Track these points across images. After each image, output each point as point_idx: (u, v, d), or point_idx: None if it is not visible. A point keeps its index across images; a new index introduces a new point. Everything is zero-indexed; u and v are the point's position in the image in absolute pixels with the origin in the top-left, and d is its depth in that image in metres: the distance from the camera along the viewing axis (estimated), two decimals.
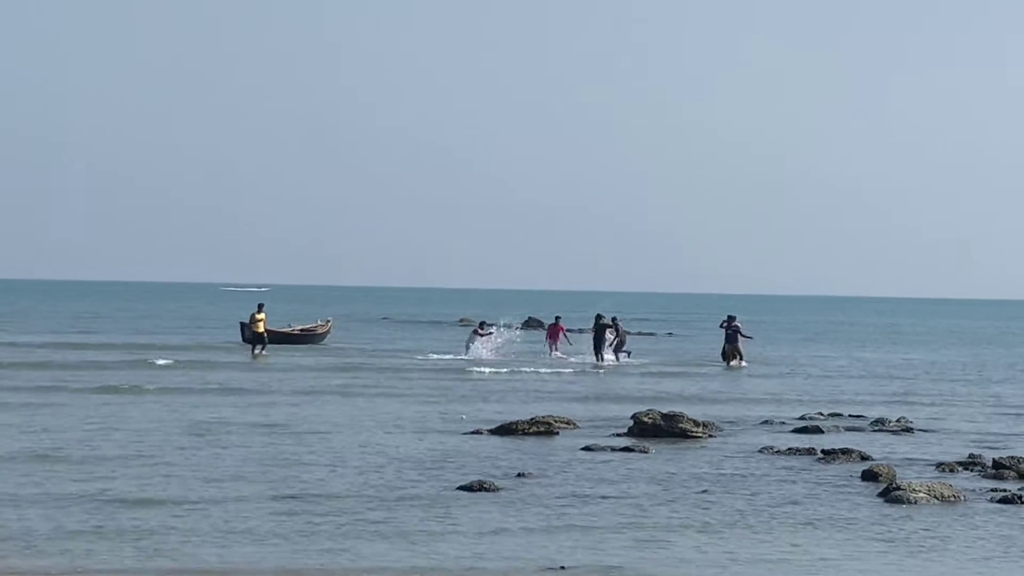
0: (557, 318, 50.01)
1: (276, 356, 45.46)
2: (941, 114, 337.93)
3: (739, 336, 46.11)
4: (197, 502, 16.57)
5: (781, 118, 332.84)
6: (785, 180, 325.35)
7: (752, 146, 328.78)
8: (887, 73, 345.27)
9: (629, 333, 52.17)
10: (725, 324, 47.54)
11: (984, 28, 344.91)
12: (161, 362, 41.09)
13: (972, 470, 20.71)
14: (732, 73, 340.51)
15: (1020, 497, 17.99)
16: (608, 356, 45.82)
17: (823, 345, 67.26)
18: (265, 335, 46.70)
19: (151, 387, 32.34)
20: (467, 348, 47.92)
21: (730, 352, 45.90)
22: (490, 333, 48.90)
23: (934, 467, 21.03)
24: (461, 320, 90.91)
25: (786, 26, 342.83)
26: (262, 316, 46.63)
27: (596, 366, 44.11)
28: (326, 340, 54.24)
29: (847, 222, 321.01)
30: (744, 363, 45.41)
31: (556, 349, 47.93)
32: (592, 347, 46.01)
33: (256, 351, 45.98)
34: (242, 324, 50.46)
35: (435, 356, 47.07)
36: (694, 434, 24.13)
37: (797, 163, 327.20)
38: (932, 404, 32.97)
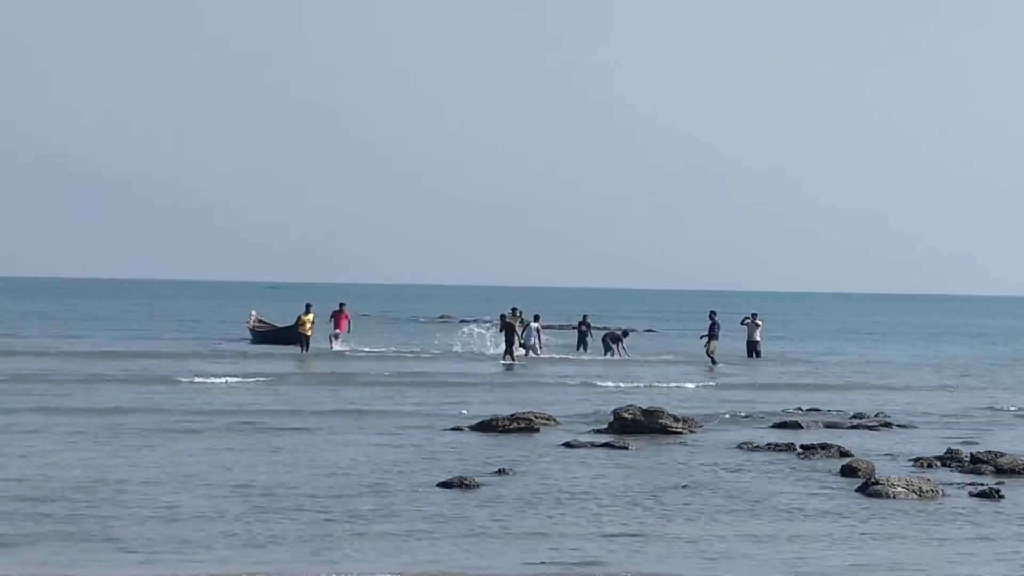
0: (341, 305, 48.14)
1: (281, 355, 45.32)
2: (913, 112, 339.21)
3: (716, 333, 44.94)
4: (170, 502, 16.56)
5: (751, 118, 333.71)
6: (759, 180, 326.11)
7: (726, 147, 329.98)
8: (860, 72, 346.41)
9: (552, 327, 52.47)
10: (747, 320, 47.52)
11: (952, 27, 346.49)
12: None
13: (950, 465, 20.81)
14: (700, 73, 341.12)
15: (997, 491, 18.10)
16: (519, 352, 45.61)
17: (800, 341, 67.39)
18: (311, 336, 45.60)
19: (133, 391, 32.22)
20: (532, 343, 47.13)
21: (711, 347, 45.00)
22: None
23: (912, 462, 21.12)
24: (441, 316, 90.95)
25: (756, 24, 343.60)
26: (310, 317, 45.69)
27: (507, 365, 43.43)
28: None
29: (818, 219, 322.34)
30: (717, 363, 44.24)
31: (336, 340, 47.37)
32: (504, 344, 45.24)
33: (303, 351, 45.10)
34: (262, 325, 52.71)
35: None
36: (674, 429, 24.19)
37: (770, 163, 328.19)
38: (910, 399, 33.12)
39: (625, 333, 50.25)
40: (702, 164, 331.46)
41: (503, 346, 45.26)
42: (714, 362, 44.30)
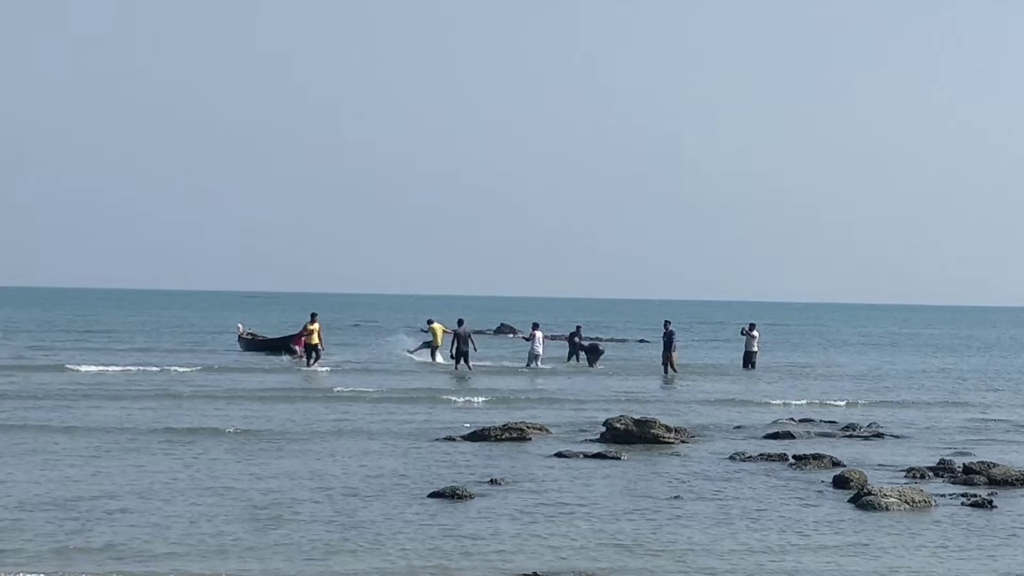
0: (312, 317, 46.63)
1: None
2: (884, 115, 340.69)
3: (673, 344, 44.32)
4: (164, 512, 16.51)
5: (741, 127, 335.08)
6: (750, 190, 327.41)
7: (718, 158, 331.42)
8: (857, 79, 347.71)
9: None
10: (746, 330, 47.32)
11: (913, 29, 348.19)
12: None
13: (942, 475, 20.81)
14: (689, 82, 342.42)
15: (990, 502, 18.10)
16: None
17: (793, 351, 67.41)
18: (319, 346, 44.95)
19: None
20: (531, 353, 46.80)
21: (666, 359, 44.26)
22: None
23: (905, 473, 21.11)
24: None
25: (744, 35, 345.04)
26: (315, 326, 45.06)
27: (460, 373, 43.37)
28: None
29: (813, 229, 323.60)
30: (674, 372, 43.68)
31: (300, 355, 46.92)
32: (452, 354, 44.91)
33: (310, 362, 44.67)
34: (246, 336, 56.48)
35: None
36: (666, 440, 24.17)
37: (761, 173, 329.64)
38: (903, 410, 33.12)
39: (592, 347, 49.56)
40: (696, 173, 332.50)
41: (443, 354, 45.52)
42: (674, 371, 43.62)
